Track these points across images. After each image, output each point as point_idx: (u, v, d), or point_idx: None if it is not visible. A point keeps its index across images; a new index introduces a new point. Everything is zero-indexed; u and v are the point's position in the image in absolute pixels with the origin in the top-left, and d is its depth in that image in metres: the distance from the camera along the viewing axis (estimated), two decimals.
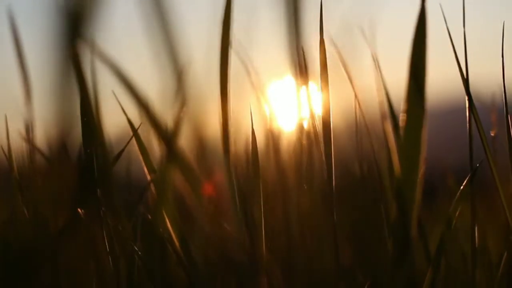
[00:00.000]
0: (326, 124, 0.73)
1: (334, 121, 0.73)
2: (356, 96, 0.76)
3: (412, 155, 0.67)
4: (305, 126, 0.74)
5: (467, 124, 0.77)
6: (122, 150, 0.80)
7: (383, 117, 0.72)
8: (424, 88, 0.66)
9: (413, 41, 0.66)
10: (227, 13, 0.70)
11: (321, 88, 0.73)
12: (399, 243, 0.68)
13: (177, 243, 0.75)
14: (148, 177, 0.77)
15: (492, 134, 0.89)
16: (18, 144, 0.83)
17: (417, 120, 0.67)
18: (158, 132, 0.63)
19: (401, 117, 0.67)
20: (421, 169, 0.68)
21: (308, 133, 0.74)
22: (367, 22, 0.75)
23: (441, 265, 0.83)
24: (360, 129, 0.77)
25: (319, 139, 0.73)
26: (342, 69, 0.75)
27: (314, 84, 0.72)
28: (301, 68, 0.67)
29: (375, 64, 0.76)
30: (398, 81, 0.68)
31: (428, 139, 0.68)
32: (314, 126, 0.73)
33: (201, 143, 0.62)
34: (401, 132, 0.67)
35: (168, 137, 0.63)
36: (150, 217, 0.79)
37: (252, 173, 0.77)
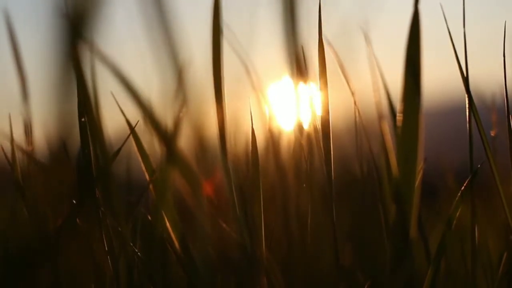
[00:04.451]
0: (325, 124, 0.73)
1: (333, 121, 0.73)
2: (353, 96, 0.76)
3: (410, 155, 0.67)
4: (305, 126, 0.74)
5: (467, 124, 0.77)
6: (120, 149, 0.79)
7: (380, 117, 0.72)
8: (420, 88, 0.66)
9: (408, 42, 0.66)
10: (216, 9, 0.70)
11: (320, 88, 0.73)
12: (398, 244, 0.68)
13: (176, 244, 0.75)
14: (148, 178, 0.77)
15: (493, 134, 0.89)
16: (17, 144, 0.83)
17: (414, 120, 0.67)
18: (157, 132, 0.63)
19: (398, 117, 0.67)
20: (419, 169, 0.68)
21: (308, 133, 0.74)
22: (364, 23, 0.75)
23: (441, 265, 0.83)
24: (359, 129, 0.77)
25: (318, 139, 0.73)
26: (340, 68, 0.75)
27: (313, 84, 0.72)
28: (300, 69, 0.67)
29: (373, 65, 0.76)
30: (396, 81, 0.68)
31: (428, 139, 0.68)
32: (313, 126, 0.73)
33: (201, 143, 0.62)
34: (398, 132, 0.67)
35: (167, 138, 0.63)
36: (149, 217, 0.78)
37: (252, 172, 0.76)
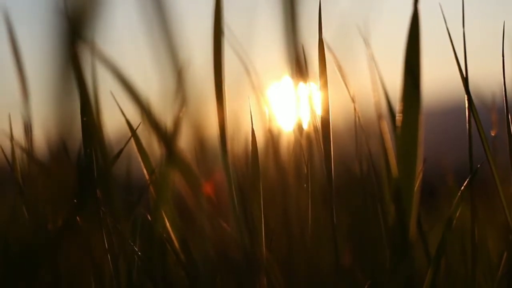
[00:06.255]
0: (325, 124, 0.73)
1: (333, 121, 0.73)
2: (352, 96, 0.76)
3: (409, 155, 0.67)
4: (305, 126, 0.74)
5: (467, 124, 0.77)
6: (121, 150, 0.80)
7: (380, 117, 0.72)
8: (419, 88, 0.66)
9: (407, 42, 0.66)
10: (217, 9, 0.70)
11: (320, 88, 0.73)
12: (398, 244, 0.68)
13: (176, 243, 0.75)
14: (147, 178, 0.77)
15: (492, 134, 0.89)
16: (17, 144, 0.83)
17: (413, 120, 0.67)
18: (157, 132, 0.63)
19: (397, 118, 0.67)
20: (419, 170, 0.68)
21: (308, 133, 0.74)
22: (364, 23, 0.75)
23: (441, 265, 0.83)
24: (359, 129, 0.77)
25: (318, 139, 0.73)
26: (339, 70, 0.75)
27: (313, 84, 0.73)
28: (300, 69, 0.67)
29: (372, 65, 0.76)
30: (395, 81, 0.68)
31: (428, 139, 0.68)
32: (313, 126, 0.73)
33: (201, 143, 0.62)
34: (398, 132, 0.67)
35: (167, 138, 0.63)
36: (149, 217, 0.79)
37: (251, 172, 0.77)
